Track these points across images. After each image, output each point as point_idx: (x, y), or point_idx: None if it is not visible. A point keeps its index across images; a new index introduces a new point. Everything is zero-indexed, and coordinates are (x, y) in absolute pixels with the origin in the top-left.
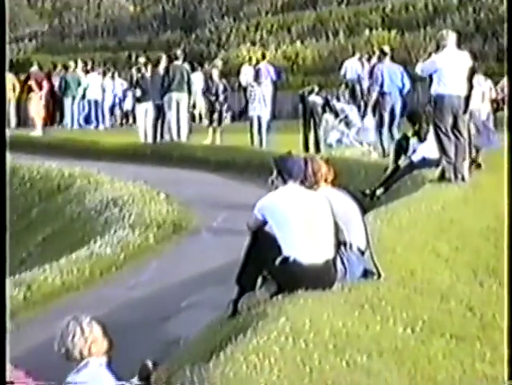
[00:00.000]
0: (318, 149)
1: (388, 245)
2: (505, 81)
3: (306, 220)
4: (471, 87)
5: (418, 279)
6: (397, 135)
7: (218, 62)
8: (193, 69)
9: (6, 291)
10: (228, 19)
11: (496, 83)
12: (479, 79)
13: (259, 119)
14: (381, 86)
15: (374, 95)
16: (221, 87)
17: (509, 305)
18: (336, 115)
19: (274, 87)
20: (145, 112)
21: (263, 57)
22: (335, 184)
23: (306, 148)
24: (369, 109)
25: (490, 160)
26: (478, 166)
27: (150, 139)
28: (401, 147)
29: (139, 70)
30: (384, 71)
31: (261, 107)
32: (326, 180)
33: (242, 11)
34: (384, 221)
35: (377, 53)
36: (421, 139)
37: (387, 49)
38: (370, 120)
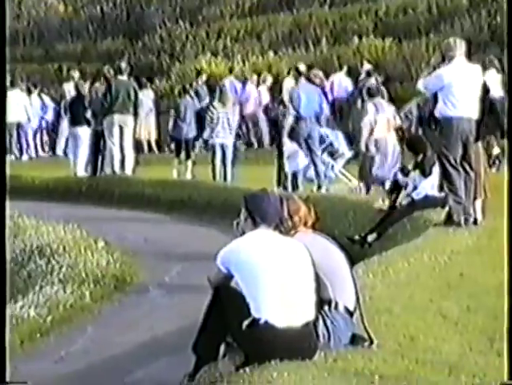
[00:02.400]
0: (295, 185)
1: (382, 304)
2: (411, 105)
3: (280, 273)
4: (484, 108)
5: (420, 347)
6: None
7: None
8: (141, 85)
9: (6, 292)
10: (183, 24)
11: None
12: (382, 104)
13: (223, 147)
14: (298, 110)
15: (290, 120)
16: (189, 109)
17: (509, 304)
18: (320, 141)
19: (240, 109)
20: (80, 139)
21: (230, 71)
22: (317, 229)
23: (280, 184)
24: (284, 137)
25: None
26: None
27: (86, 173)
28: (398, 183)
29: (73, 86)
30: (301, 93)
31: (225, 133)
32: (305, 224)
33: (201, 14)
34: (378, 275)
35: (366, 66)
36: (424, 173)
37: (302, 67)
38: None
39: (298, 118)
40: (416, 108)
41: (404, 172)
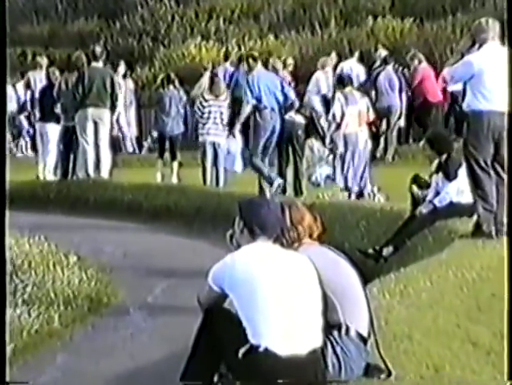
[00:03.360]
0: (299, 190)
1: (401, 329)
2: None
3: (282, 292)
4: None
5: (446, 380)
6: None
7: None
8: (119, 74)
9: (6, 289)
10: (168, 2)
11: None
12: (354, 95)
13: (215, 146)
14: (258, 99)
15: (247, 109)
16: (174, 101)
17: (509, 304)
18: (325, 141)
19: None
20: (48, 137)
21: (226, 58)
22: (324, 241)
23: (283, 189)
24: (236, 129)
25: None
26: None
27: (55, 176)
28: (419, 188)
29: (39, 75)
30: (260, 80)
31: (217, 129)
32: (311, 236)
33: None
34: (395, 295)
35: (382, 52)
36: (449, 176)
37: (256, 54)
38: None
39: (259, 109)
40: None
41: (420, 184)
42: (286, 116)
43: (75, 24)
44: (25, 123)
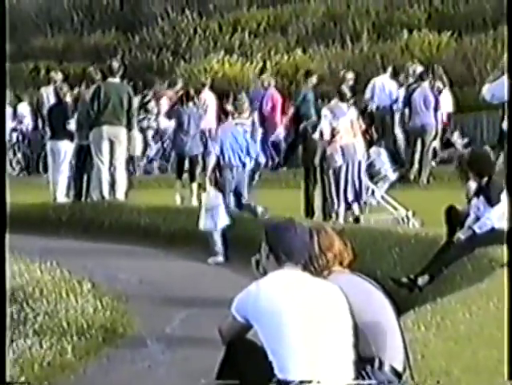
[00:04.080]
0: (328, 214)
1: (438, 364)
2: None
3: (310, 324)
4: None
5: None
6: None
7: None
8: (137, 90)
9: (5, 294)
10: (190, 14)
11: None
12: (340, 107)
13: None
14: (222, 155)
15: (212, 160)
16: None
17: (509, 304)
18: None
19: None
20: (61, 156)
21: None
22: (355, 269)
23: (309, 212)
24: (207, 184)
25: None
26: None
27: (68, 198)
28: (457, 213)
29: (54, 91)
30: (224, 135)
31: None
32: (341, 263)
33: (212, 2)
34: (432, 327)
35: (417, 68)
36: (491, 201)
37: (229, 107)
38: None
39: (222, 165)
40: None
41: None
42: (315, 135)
43: (91, 37)
44: (37, 142)
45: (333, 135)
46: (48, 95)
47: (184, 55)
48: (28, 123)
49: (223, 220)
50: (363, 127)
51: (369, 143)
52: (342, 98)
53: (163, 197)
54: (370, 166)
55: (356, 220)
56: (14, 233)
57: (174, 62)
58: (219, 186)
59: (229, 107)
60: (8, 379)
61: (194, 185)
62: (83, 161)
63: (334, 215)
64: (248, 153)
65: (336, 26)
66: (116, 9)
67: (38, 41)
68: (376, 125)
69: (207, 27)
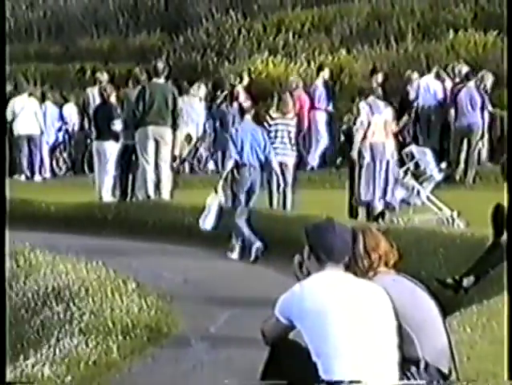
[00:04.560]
0: (371, 214)
1: (484, 366)
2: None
3: (354, 325)
4: None
5: None
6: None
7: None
8: (181, 91)
9: (5, 293)
10: (235, 15)
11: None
12: (378, 104)
13: (282, 167)
14: (240, 155)
15: (229, 165)
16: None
17: (509, 304)
18: (401, 161)
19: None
20: (107, 156)
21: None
22: (400, 270)
23: (353, 213)
24: (219, 185)
25: None
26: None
27: (114, 197)
28: (503, 214)
29: (98, 91)
30: (244, 134)
31: (285, 149)
32: (386, 264)
33: (257, 3)
34: (478, 329)
35: (463, 68)
36: None
37: (246, 103)
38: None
39: (238, 165)
40: None
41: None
42: (355, 128)
43: (136, 38)
44: (83, 142)
45: (365, 132)
46: (94, 96)
47: (229, 56)
48: (74, 123)
49: (209, 222)
50: (396, 128)
51: (401, 146)
52: (378, 96)
53: (207, 197)
54: (416, 166)
55: (382, 215)
56: (59, 233)
57: (218, 62)
58: (233, 187)
59: (273, 108)
60: (52, 378)
61: None
62: (129, 161)
63: (359, 211)
64: (264, 152)
65: (381, 26)
66: (161, 9)
67: (84, 42)
68: (422, 125)
69: (251, 28)
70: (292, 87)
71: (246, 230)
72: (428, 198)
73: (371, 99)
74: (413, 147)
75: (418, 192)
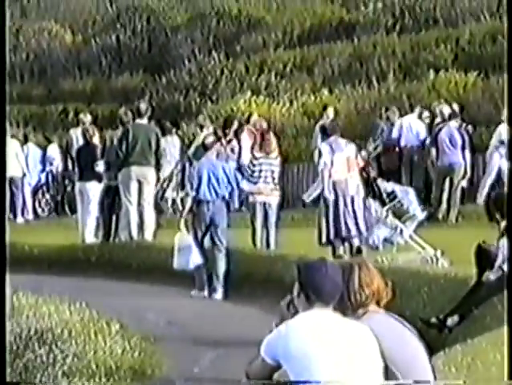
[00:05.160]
0: (357, 252)
1: None
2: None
3: (339, 367)
4: None
5: None
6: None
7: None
8: (164, 131)
9: (6, 292)
10: (217, 55)
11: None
12: (339, 142)
13: (265, 207)
14: (197, 190)
15: (188, 202)
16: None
17: (508, 304)
18: (383, 200)
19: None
20: (89, 197)
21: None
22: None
23: (336, 252)
24: (181, 223)
25: None
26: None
27: (97, 238)
28: (486, 253)
29: (81, 132)
30: (203, 171)
31: (269, 189)
32: (378, 303)
33: (239, 44)
34: (463, 369)
35: (444, 108)
36: None
37: (210, 139)
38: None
39: (198, 201)
40: None
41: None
42: (318, 168)
43: (119, 79)
44: (65, 183)
45: (329, 171)
46: (77, 137)
47: (211, 96)
48: (57, 164)
49: (196, 259)
50: (361, 164)
51: (366, 181)
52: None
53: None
54: (398, 204)
55: (358, 250)
56: (42, 275)
57: (201, 103)
58: (194, 224)
59: (256, 147)
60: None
61: None
62: (112, 202)
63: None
64: (228, 187)
65: (362, 67)
66: (144, 51)
67: (67, 83)
68: (404, 164)
69: (234, 68)
70: (256, 127)
71: (203, 273)
72: (411, 237)
73: (332, 138)
74: (396, 186)
75: (401, 231)
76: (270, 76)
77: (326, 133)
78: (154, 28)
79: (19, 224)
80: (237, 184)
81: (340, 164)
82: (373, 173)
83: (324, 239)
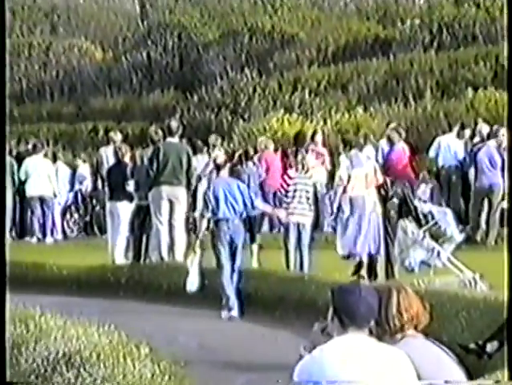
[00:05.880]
0: (391, 276)
1: None
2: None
3: None
4: None
5: None
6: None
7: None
8: (196, 150)
9: (6, 292)
10: (250, 73)
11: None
12: (360, 157)
13: (299, 227)
14: (213, 211)
15: (203, 224)
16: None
17: (509, 304)
18: (420, 222)
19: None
20: (120, 217)
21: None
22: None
23: (370, 274)
24: (196, 246)
25: None
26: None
27: (127, 259)
28: None
29: (113, 151)
30: (218, 191)
31: (303, 209)
32: (416, 327)
33: (272, 61)
34: None
35: (482, 127)
36: None
37: (221, 158)
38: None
39: (217, 220)
40: None
41: None
42: (335, 182)
43: (150, 97)
44: (96, 203)
45: (345, 187)
46: (107, 156)
47: (243, 114)
48: (87, 184)
49: (193, 284)
50: (380, 181)
51: (384, 198)
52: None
53: None
54: (436, 227)
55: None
56: (71, 296)
57: (233, 121)
58: (216, 244)
59: (292, 166)
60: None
61: (254, 246)
62: (142, 222)
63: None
64: (244, 205)
65: (399, 84)
66: (176, 68)
67: (98, 101)
68: (442, 185)
69: (266, 86)
70: (261, 148)
71: (228, 290)
72: (448, 260)
73: (353, 152)
74: (433, 208)
75: (439, 254)
76: (303, 94)
77: (346, 146)
78: (185, 45)
79: (48, 245)
80: (252, 203)
81: (359, 179)
82: (391, 190)
83: (340, 254)
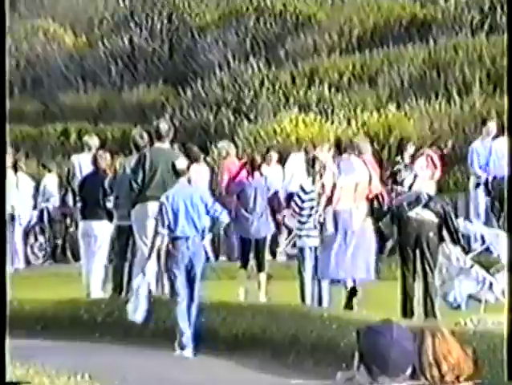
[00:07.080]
0: (431, 313)
1: None
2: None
3: None
4: None
5: None
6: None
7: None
8: (190, 158)
9: (6, 292)
10: (256, 63)
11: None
12: (352, 163)
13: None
14: (170, 228)
15: (156, 242)
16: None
17: (509, 304)
18: (464, 246)
19: None
20: (97, 240)
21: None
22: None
23: (406, 311)
24: (146, 267)
25: None
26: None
27: (105, 293)
28: None
29: (86, 159)
30: (179, 201)
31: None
32: (458, 377)
33: (284, 48)
34: None
35: None
36: None
37: (182, 163)
38: None
39: (173, 238)
40: None
41: None
42: (412, 214)
43: (133, 92)
44: (66, 222)
45: (330, 197)
46: (81, 165)
47: (249, 114)
48: (55, 199)
49: (139, 312)
50: (375, 191)
51: (376, 211)
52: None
53: (223, 291)
54: (488, 252)
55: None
56: (35, 338)
57: (236, 122)
58: (171, 267)
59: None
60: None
61: (262, 276)
62: (124, 246)
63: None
64: (207, 219)
65: (440, 76)
66: (164, 58)
67: (69, 98)
68: (494, 200)
69: (277, 79)
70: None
71: (184, 324)
72: (503, 293)
73: (345, 156)
74: (483, 229)
75: (491, 286)
76: (322, 89)
77: (339, 148)
78: (177, 28)
79: (9, 274)
80: (217, 217)
81: (346, 189)
82: (387, 200)
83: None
